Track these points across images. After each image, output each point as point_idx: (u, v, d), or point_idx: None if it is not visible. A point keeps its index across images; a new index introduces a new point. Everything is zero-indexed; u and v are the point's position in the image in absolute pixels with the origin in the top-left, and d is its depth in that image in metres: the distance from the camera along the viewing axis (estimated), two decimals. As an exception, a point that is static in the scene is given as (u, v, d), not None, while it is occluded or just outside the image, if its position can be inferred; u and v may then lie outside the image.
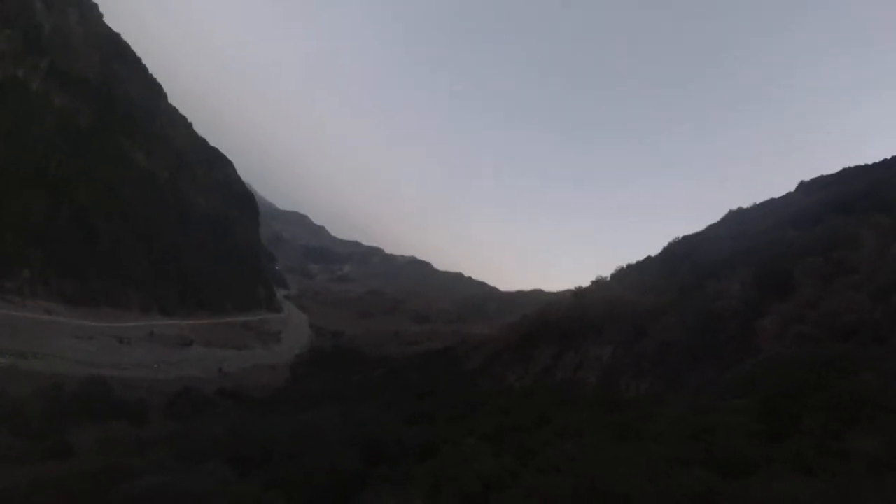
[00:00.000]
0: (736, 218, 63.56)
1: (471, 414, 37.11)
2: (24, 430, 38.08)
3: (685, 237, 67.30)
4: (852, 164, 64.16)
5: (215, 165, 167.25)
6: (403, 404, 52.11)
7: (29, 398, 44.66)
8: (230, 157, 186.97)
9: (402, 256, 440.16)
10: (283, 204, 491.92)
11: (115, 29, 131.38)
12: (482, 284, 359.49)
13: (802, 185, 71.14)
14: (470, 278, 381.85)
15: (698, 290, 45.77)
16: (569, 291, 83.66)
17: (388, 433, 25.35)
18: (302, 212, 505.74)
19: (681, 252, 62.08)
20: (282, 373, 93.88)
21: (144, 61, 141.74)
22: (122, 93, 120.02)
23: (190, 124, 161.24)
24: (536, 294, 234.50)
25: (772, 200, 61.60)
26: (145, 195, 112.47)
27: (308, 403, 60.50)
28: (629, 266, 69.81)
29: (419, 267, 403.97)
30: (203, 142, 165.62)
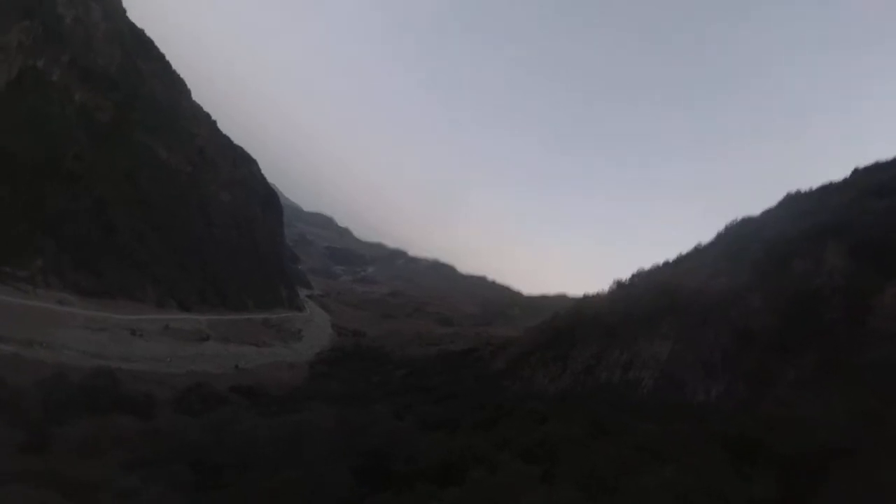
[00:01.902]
0: (797, 199, 57.30)
1: (500, 420, 32.49)
2: (18, 422, 35.63)
3: (744, 219, 61.12)
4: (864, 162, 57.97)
5: (239, 163, 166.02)
6: (422, 407, 48.05)
7: (29, 388, 42.28)
8: (255, 158, 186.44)
9: (426, 259, 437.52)
10: (308, 206, 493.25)
11: (140, 25, 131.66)
12: (506, 288, 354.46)
13: (857, 172, 65.39)
14: (493, 282, 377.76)
15: (783, 270, 38.87)
16: (598, 293, 78.15)
17: (397, 442, 20.80)
18: (327, 214, 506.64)
19: (744, 234, 55.37)
20: (301, 371, 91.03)
21: (169, 58, 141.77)
22: (144, 89, 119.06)
23: (214, 122, 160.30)
24: (560, 299, 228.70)
25: (832, 183, 55.74)
26: (166, 190, 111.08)
27: (321, 402, 57.55)
28: (681, 255, 63.33)
29: (443, 270, 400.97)
30: (227, 139, 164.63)
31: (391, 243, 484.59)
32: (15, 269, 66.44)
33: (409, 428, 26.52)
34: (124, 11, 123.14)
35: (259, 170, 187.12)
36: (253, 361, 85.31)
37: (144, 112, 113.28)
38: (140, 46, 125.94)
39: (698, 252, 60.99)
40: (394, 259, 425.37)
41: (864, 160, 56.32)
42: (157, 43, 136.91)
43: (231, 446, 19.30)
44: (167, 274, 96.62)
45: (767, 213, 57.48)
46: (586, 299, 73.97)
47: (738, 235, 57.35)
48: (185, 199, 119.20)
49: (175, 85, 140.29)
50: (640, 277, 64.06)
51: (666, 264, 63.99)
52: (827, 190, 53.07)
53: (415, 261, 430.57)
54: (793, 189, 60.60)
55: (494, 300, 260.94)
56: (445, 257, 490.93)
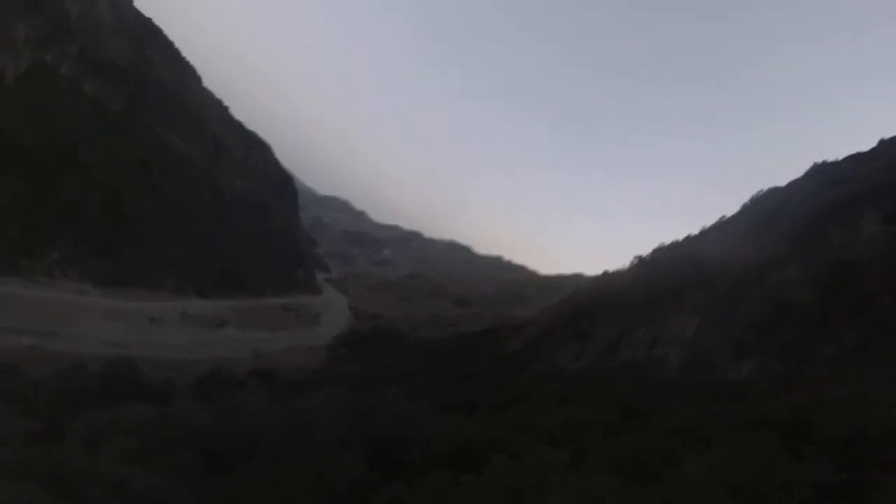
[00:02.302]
0: (825, 169, 54.70)
1: (519, 402, 31.55)
2: (32, 413, 35.98)
3: (770, 190, 58.73)
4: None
5: (252, 149, 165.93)
6: (438, 389, 47.45)
7: (46, 379, 42.74)
8: (269, 144, 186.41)
9: (442, 240, 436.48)
10: (323, 190, 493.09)
11: (149, 14, 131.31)
12: (522, 268, 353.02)
13: (883, 142, 62.83)
14: (510, 262, 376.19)
15: (819, 239, 36.15)
16: (618, 270, 75.84)
17: (410, 427, 20.12)
18: (342, 197, 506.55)
19: (772, 204, 52.86)
20: (319, 354, 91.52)
21: (180, 46, 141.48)
22: (154, 77, 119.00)
23: (226, 108, 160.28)
24: (577, 278, 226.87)
25: (860, 153, 53.18)
26: (180, 177, 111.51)
27: (337, 385, 57.55)
28: (705, 228, 61.07)
29: (458, 251, 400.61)
30: (239, 125, 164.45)
31: (407, 225, 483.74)
32: (32, 261, 67.21)
33: (422, 411, 25.67)
34: (131, 1, 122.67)
35: (273, 155, 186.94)
36: (271, 346, 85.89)
37: (155, 100, 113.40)
38: (148, 35, 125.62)
39: (723, 224, 58.33)
40: (409, 241, 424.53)
41: (872, 140, 53.57)
42: (167, 31, 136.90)
43: (241, 432, 18.90)
44: (183, 261, 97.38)
45: (795, 183, 54.57)
46: (606, 276, 72.00)
47: (766, 206, 54.57)
48: (198, 186, 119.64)
49: (185, 72, 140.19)
50: (662, 252, 61.83)
51: (689, 238, 61.39)
52: (856, 159, 50.57)
53: (431, 242, 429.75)
54: (819, 160, 58.15)
55: (511, 281, 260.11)
56: (461, 238, 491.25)
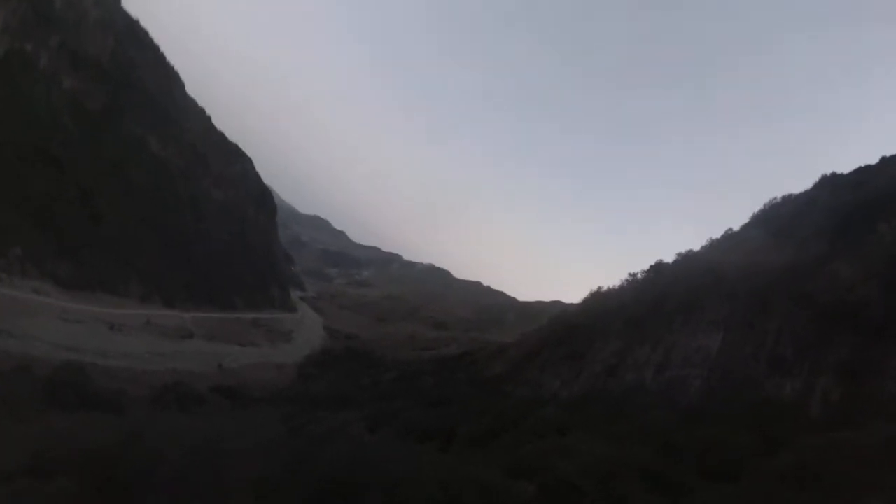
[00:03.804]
0: (835, 180, 52.39)
1: (505, 432, 28.10)
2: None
3: (785, 198, 55.93)
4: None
5: (233, 160, 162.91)
6: (411, 414, 43.84)
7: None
8: (252, 157, 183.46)
9: (421, 263, 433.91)
10: (304, 208, 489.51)
11: (141, 19, 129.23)
12: (501, 294, 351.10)
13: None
14: (489, 287, 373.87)
15: (865, 235, 32.00)
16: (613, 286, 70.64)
17: (368, 463, 16.20)
18: (322, 216, 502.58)
19: (791, 211, 49.37)
20: (288, 372, 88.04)
21: (168, 54, 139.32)
22: (137, 79, 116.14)
23: (208, 117, 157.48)
24: (556, 305, 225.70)
25: (869, 166, 51.34)
26: (156, 183, 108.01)
27: (299, 404, 54.30)
28: (713, 240, 56.85)
29: (438, 274, 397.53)
30: (221, 135, 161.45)
31: (387, 247, 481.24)
32: (-11, 256, 63.27)
33: (386, 443, 21.97)
34: (118, 0, 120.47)
35: (253, 167, 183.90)
36: (238, 361, 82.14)
37: (136, 102, 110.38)
38: (133, 36, 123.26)
39: (734, 235, 54.53)
40: (389, 263, 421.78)
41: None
42: (156, 37, 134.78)
43: (143, 458, 15.57)
44: (153, 269, 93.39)
45: (814, 190, 51.53)
46: (599, 294, 66.38)
47: (784, 212, 50.80)
48: (175, 193, 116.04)
49: (169, 77, 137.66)
50: (665, 266, 57.82)
51: (698, 250, 57.02)
52: (868, 171, 48.28)
53: (410, 265, 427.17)
54: (821, 167, 56.55)
55: (489, 305, 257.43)
56: (441, 262, 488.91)
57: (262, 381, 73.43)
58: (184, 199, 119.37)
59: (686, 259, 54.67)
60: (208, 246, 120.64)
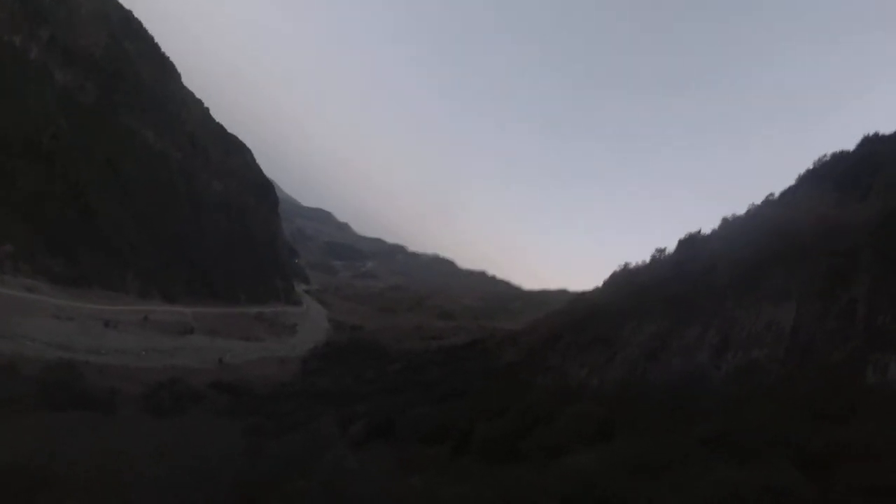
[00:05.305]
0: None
1: (532, 432, 23.36)
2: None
3: (835, 155, 50.92)
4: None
5: (232, 152, 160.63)
6: (420, 409, 39.83)
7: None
8: (253, 152, 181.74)
9: (426, 254, 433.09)
10: (307, 201, 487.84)
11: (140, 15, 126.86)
12: (506, 283, 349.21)
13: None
14: (494, 276, 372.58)
15: None
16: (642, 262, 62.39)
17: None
18: (326, 209, 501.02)
19: (849, 167, 43.85)
20: (292, 366, 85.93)
21: (170, 53, 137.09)
22: (131, 71, 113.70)
23: (206, 109, 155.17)
24: (562, 293, 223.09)
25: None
26: (153, 176, 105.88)
27: (308, 401, 52.07)
28: (757, 204, 50.88)
29: (442, 264, 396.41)
30: (220, 127, 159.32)
31: (391, 238, 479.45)
32: (-21, 253, 61.35)
33: (374, 468, 18.17)
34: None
35: (254, 159, 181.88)
36: (240, 356, 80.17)
37: (130, 95, 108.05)
38: (127, 28, 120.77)
39: (786, 197, 47.04)
40: (393, 254, 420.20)
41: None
42: (156, 34, 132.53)
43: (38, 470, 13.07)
44: (151, 263, 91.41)
45: (864, 146, 46.15)
46: (626, 272, 59.14)
47: (841, 169, 43.44)
48: (173, 186, 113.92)
49: (164, 69, 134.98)
50: (699, 238, 51.73)
51: (738, 218, 49.26)
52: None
53: (414, 256, 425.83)
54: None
55: (495, 294, 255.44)
56: (445, 252, 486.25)
57: (264, 377, 71.35)
58: (182, 191, 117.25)
59: (729, 226, 48.65)
60: (208, 239, 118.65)
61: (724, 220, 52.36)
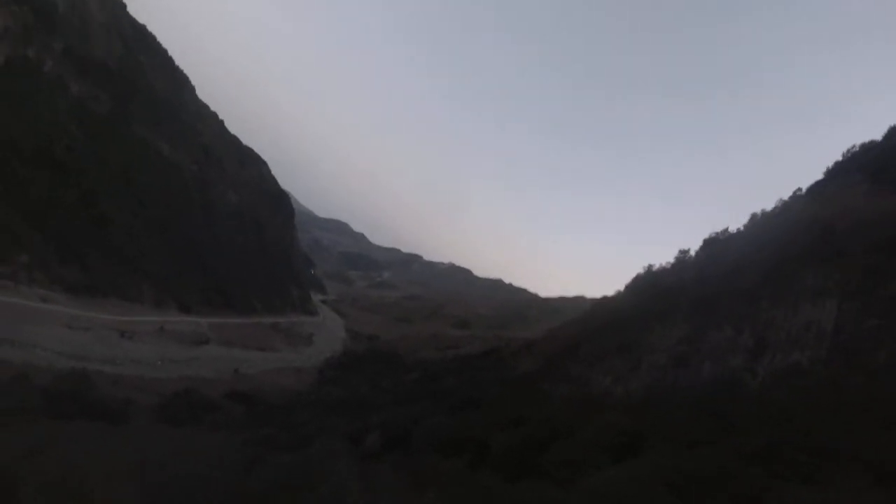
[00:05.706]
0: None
1: (554, 445, 21.66)
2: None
3: (864, 146, 49.60)
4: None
5: (247, 163, 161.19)
6: (435, 419, 38.04)
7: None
8: (270, 166, 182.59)
9: (442, 263, 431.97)
10: (323, 212, 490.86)
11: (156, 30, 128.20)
12: (522, 291, 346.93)
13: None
14: (510, 284, 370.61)
15: None
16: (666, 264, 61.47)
17: None
18: (342, 220, 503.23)
19: (881, 156, 42.53)
20: (308, 376, 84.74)
21: (175, 55, 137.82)
22: (144, 83, 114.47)
23: (221, 121, 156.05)
24: (579, 301, 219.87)
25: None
26: (168, 186, 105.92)
27: (323, 411, 50.64)
28: (799, 192, 49.22)
29: (459, 273, 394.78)
30: (235, 139, 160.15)
31: (406, 248, 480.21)
32: (-5, 264, 61.02)
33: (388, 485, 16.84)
34: (124, 6, 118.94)
35: (269, 171, 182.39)
36: (256, 367, 79.06)
37: (145, 106, 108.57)
38: (141, 40, 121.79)
39: (814, 190, 45.67)
40: (409, 263, 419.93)
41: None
42: (171, 48, 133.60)
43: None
44: (166, 273, 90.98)
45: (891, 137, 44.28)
46: (650, 274, 57.75)
47: (873, 157, 42.31)
48: (188, 196, 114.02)
49: (178, 81, 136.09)
50: (725, 237, 50.14)
51: (768, 213, 47.89)
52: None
53: (430, 265, 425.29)
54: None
55: (511, 303, 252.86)
56: (461, 261, 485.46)
57: (279, 387, 70.22)
58: (197, 202, 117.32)
59: (757, 223, 47.06)
60: (224, 249, 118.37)
61: (752, 217, 50.54)
